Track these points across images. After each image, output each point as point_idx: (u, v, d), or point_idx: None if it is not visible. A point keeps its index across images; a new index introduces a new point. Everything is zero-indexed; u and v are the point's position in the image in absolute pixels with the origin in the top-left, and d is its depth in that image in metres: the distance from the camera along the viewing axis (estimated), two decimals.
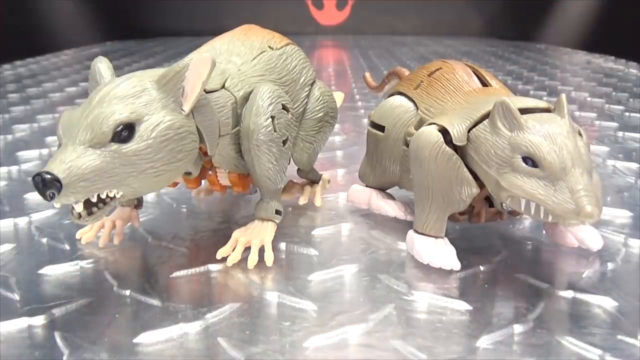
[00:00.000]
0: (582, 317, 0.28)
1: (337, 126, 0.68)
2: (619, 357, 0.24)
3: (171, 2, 2.02)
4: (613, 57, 1.33)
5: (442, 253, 0.32)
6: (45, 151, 0.57)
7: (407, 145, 0.35)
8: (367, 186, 0.41)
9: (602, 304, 0.29)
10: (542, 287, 0.30)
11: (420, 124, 0.34)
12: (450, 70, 0.35)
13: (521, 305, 0.28)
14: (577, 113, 0.75)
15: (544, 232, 0.37)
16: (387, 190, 0.41)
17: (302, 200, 0.41)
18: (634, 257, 0.34)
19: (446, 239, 0.33)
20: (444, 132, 0.31)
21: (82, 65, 1.26)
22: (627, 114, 0.74)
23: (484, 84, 0.34)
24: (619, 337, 0.26)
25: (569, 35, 1.64)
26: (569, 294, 0.29)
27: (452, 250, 0.32)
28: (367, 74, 0.48)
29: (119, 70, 1.17)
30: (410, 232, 0.34)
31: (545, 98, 0.84)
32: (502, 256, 0.34)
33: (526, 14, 1.83)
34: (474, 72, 0.35)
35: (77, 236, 0.36)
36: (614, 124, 0.68)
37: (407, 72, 0.42)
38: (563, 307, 0.29)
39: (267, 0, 2.09)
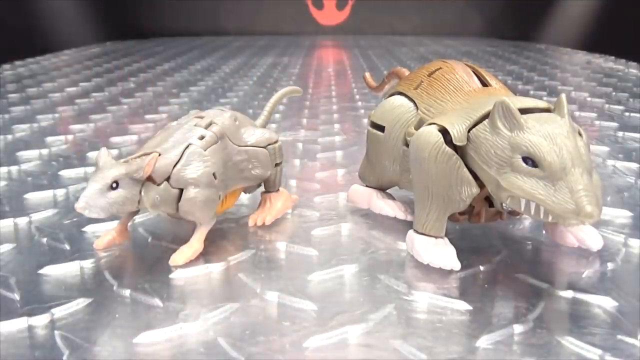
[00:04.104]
0: (582, 317, 0.28)
1: (336, 126, 0.68)
2: (619, 357, 0.24)
3: (171, 2, 2.02)
4: (613, 57, 1.33)
5: (442, 253, 0.32)
6: (45, 151, 0.57)
7: (407, 145, 0.35)
8: (367, 186, 0.41)
9: (602, 304, 0.29)
10: (542, 287, 0.30)
11: (420, 124, 0.34)
12: (450, 70, 0.35)
13: (521, 305, 0.28)
14: (577, 113, 0.75)
15: (544, 232, 0.37)
16: (387, 190, 0.41)
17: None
18: (634, 257, 0.34)
19: (446, 239, 0.33)
20: (444, 132, 0.31)
21: (82, 65, 1.26)
22: (627, 114, 0.74)
23: (484, 84, 0.34)
24: (619, 337, 0.26)
25: (569, 35, 1.64)
26: (569, 294, 0.29)
27: (452, 250, 0.32)
28: (367, 74, 0.48)
29: (118, 70, 1.17)
30: (410, 232, 0.34)
31: (545, 98, 0.84)
32: (502, 256, 0.34)
33: (526, 14, 1.83)
34: (474, 72, 0.35)
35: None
36: (614, 124, 0.68)
37: (407, 72, 0.42)
38: (563, 307, 0.29)
39: (267, 0, 2.09)
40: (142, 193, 0.31)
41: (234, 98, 0.87)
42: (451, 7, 2.09)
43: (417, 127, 0.34)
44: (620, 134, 0.64)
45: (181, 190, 0.32)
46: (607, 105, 0.80)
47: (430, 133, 0.31)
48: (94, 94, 0.90)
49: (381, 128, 0.37)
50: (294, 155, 0.56)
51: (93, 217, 0.31)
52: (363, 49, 1.58)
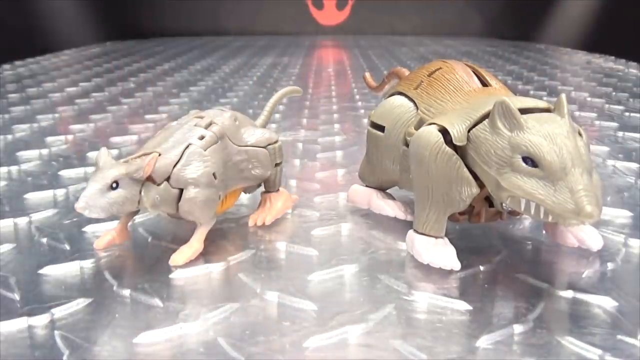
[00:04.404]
0: (582, 317, 0.28)
1: (336, 126, 0.68)
2: (619, 357, 0.24)
3: (171, 2, 2.02)
4: (613, 57, 1.33)
5: (442, 253, 0.32)
6: (45, 151, 0.57)
7: (407, 145, 0.35)
8: (367, 186, 0.41)
9: (602, 304, 0.29)
10: (542, 287, 0.30)
11: (420, 123, 0.34)
12: (450, 70, 0.35)
13: (521, 305, 0.28)
14: (577, 113, 0.75)
15: (544, 232, 0.37)
16: (387, 190, 0.41)
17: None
18: (634, 257, 0.34)
19: (446, 239, 0.33)
20: (444, 132, 0.31)
21: (82, 65, 1.26)
22: (627, 114, 0.74)
23: (484, 84, 0.34)
24: (619, 337, 0.26)
25: (569, 35, 1.64)
26: (569, 294, 0.29)
27: (452, 250, 0.32)
28: (367, 74, 0.48)
29: (118, 70, 1.17)
30: (410, 232, 0.34)
31: (545, 98, 0.84)
32: (502, 256, 0.34)
33: (526, 14, 1.83)
34: (474, 72, 0.35)
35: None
36: (614, 124, 0.68)
37: (407, 72, 0.42)
38: (563, 307, 0.29)
39: (267, 0, 2.09)
40: (142, 193, 0.31)
41: (234, 98, 0.87)
42: (451, 7, 2.09)
43: (417, 127, 0.34)
44: (620, 134, 0.64)
45: (181, 190, 0.32)
46: (607, 105, 0.80)
47: (430, 133, 0.31)
48: (94, 94, 0.90)
49: (381, 128, 0.37)
50: (294, 155, 0.56)
51: (93, 217, 0.31)
52: (363, 49, 1.59)
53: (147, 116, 0.75)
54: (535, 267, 0.33)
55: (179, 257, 0.33)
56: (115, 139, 0.63)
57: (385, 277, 0.31)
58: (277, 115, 0.74)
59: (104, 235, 0.35)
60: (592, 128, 0.67)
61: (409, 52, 1.50)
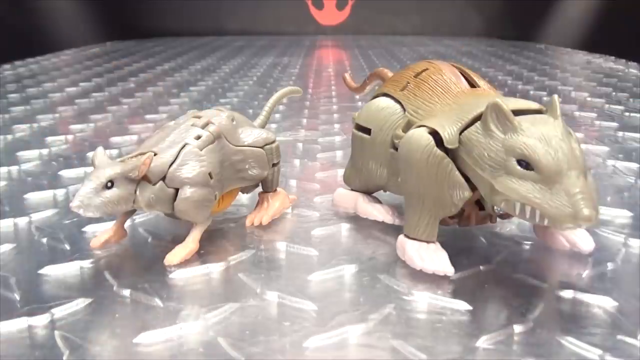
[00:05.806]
0: (582, 317, 0.28)
1: (336, 126, 0.68)
2: (619, 357, 0.24)
3: (171, 2, 2.02)
4: (613, 57, 1.32)
5: (434, 258, 0.31)
6: (45, 151, 0.57)
7: (394, 148, 0.34)
8: (352, 190, 0.41)
9: (602, 304, 0.29)
10: (542, 287, 0.30)
11: (408, 126, 0.33)
12: (438, 72, 0.34)
13: (521, 305, 0.28)
14: (577, 113, 0.75)
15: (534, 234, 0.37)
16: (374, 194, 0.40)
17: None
18: (634, 257, 0.34)
19: (438, 244, 0.32)
20: (434, 134, 0.30)
21: (82, 65, 1.26)
22: (627, 114, 0.74)
23: (472, 85, 0.34)
24: (619, 337, 0.26)
25: (569, 35, 1.64)
26: (569, 294, 0.29)
27: (445, 255, 0.32)
28: (347, 75, 0.47)
29: (119, 71, 1.17)
30: (401, 237, 0.33)
31: (545, 98, 0.84)
32: (502, 256, 0.34)
33: (526, 14, 1.83)
34: (461, 73, 0.34)
35: None
36: (614, 124, 0.68)
37: (389, 73, 0.41)
38: (563, 307, 0.29)
39: (267, 0, 2.09)
40: (138, 192, 0.31)
41: (234, 98, 0.87)
42: (451, 7, 2.09)
43: (405, 130, 0.33)
44: (620, 134, 0.64)
45: (177, 190, 0.32)
46: (607, 105, 0.80)
47: (421, 136, 0.31)
48: (94, 94, 0.90)
49: (367, 131, 0.37)
50: (294, 155, 0.56)
51: (88, 216, 0.31)
52: (363, 49, 1.58)
53: (147, 116, 0.75)
54: (535, 267, 0.33)
55: (173, 256, 0.33)
56: (115, 139, 0.63)
57: (385, 277, 0.31)
58: (277, 115, 0.74)
59: (100, 234, 0.35)
60: (592, 128, 0.67)
61: (409, 52, 1.50)
